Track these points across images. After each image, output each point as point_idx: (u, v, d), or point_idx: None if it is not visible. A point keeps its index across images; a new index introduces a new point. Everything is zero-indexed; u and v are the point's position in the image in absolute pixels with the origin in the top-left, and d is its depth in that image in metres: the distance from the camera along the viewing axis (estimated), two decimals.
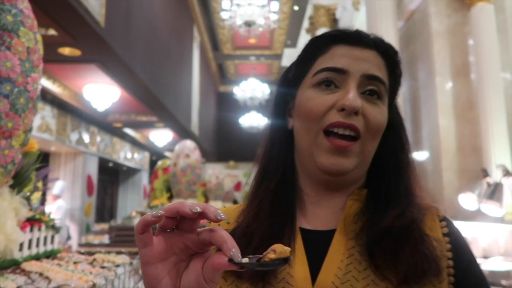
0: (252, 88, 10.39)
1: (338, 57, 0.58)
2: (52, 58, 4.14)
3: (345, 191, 0.60)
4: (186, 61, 8.33)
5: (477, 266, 0.58)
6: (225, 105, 13.31)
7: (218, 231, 0.41)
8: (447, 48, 3.93)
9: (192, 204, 0.41)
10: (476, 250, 2.56)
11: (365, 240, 0.55)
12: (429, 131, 4.10)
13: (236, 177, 12.29)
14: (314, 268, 0.55)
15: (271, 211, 0.59)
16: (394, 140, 0.62)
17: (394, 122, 0.63)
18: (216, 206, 0.55)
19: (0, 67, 1.22)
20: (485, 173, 2.79)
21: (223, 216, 0.40)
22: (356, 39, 0.59)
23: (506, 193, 2.56)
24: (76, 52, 4.10)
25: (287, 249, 0.42)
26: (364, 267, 0.53)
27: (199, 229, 0.43)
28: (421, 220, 0.56)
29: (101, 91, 5.48)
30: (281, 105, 0.65)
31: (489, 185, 2.66)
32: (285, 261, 0.42)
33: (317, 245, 0.57)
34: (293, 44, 10.67)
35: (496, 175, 2.70)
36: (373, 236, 0.54)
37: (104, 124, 7.50)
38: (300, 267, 0.55)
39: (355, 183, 0.60)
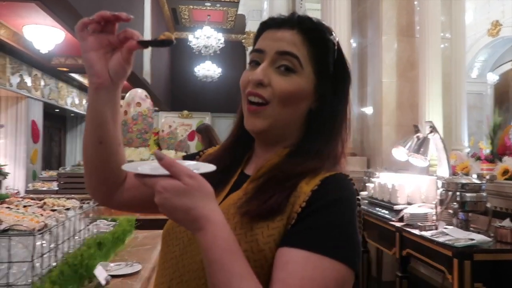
0: (207, 36, 10.11)
1: (262, 40, 0.72)
2: None
3: (277, 147, 0.72)
4: (136, 4, 7.90)
5: (319, 218, 0.61)
6: (179, 53, 12.89)
7: (129, 31, 0.69)
8: (394, 8, 4.08)
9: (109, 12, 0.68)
10: (401, 197, 2.88)
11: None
12: (373, 88, 4.33)
13: (189, 127, 12.24)
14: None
15: (225, 154, 0.77)
16: (319, 110, 0.71)
17: (322, 93, 0.71)
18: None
19: None
20: (416, 129, 3.06)
21: (131, 16, 0.68)
22: (279, 22, 0.71)
23: (431, 147, 2.85)
24: None
25: (172, 36, 0.70)
26: (242, 202, 0.66)
27: (118, 33, 0.70)
28: (303, 177, 0.65)
29: (43, 32, 5.13)
30: None
31: (418, 139, 2.94)
32: (169, 42, 0.68)
33: (239, 184, 0.72)
34: None
35: (424, 131, 2.98)
36: (259, 181, 0.68)
37: (48, 68, 7.08)
38: (220, 194, 0.72)
39: (282, 141, 0.72)
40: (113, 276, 1.40)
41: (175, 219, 0.57)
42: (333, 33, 0.73)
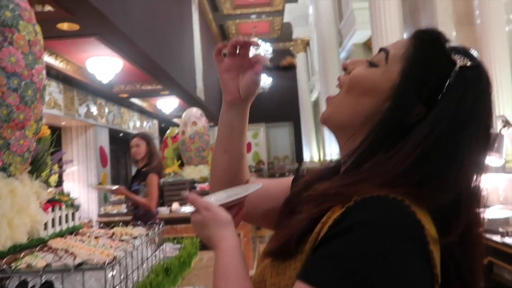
0: (255, 48, 10.22)
1: None
2: (51, 34, 4.13)
3: (341, 145, 0.68)
4: (186, 25, 8.20)
5: (330, 245, 0.51)
6: None
7: (260, 56, 0.77)
8: None
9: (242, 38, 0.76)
10: None
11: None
12: None
13: None
14: None
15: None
16: (389, 118, 0.60)
17: (399, 101, 0.60)
18: None
19: (6, 63, 1.28)
20: None
21: (259, 42, 0.69)
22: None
23: (506, 143, 2.60)
24: (75, 27, 4.09)
25: (294, 60, 0.78)
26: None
27: (250, 57, 0.77)
28: (339, 199, 0.55)
29: (103, 63, 5.49)
30: None
31: None
32: (292, 67, 0.76)
33: None
34: None
35: (496, 126, 2.73)
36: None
37: (110, 96, 7.56)
38: None
39: (345, 140, 0.65)
40: None
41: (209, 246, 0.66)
42: (457, 54, 0.61)
